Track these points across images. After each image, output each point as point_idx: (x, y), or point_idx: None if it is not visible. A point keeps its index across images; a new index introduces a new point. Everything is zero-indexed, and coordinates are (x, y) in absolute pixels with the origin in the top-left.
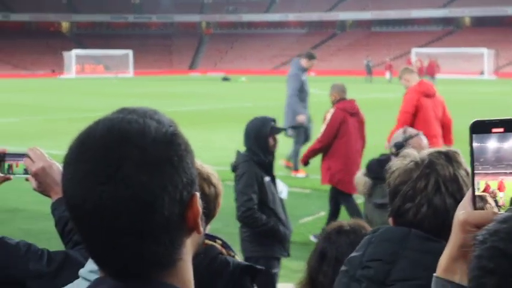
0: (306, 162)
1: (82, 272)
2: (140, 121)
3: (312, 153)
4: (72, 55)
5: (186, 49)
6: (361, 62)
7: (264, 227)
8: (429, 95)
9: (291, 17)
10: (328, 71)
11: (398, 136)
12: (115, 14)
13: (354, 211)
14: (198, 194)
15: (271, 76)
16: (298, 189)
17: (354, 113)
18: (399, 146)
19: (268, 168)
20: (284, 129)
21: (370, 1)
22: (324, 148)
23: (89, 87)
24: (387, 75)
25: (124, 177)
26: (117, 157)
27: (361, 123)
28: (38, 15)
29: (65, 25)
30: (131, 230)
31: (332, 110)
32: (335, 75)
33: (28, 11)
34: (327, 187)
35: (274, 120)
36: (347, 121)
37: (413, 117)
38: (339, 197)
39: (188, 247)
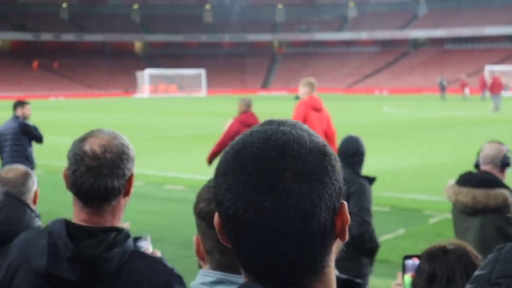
0: (210, 162)
1: (193, 285)
2: (294, 132)
3: (213, 155)
4: (145, 75)
5: (258, 68)
6: (434, 79)
7: (375, 245)
8: (317, 109)
9: (364, 35)
10: (401, 89)
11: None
12: (188, 33)
13: None
14: (345, 202)
15: (344, 95)
16: (376, 207)
17: (250, 125)
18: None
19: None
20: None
21: (443, 19)
22: (221, 151)
23: (162, 107)
24: (466, 91)
25: (285, 187)
26: (277, 168)
27: None
28: (111, 35)
29: (138, 45)
30: (291, 238)
31: (230, 121)
32: (407, 93)
33: (101, 31)
34: (406, 205)
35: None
36: (240, 132)
37: None
38: None
39: (333, 254)
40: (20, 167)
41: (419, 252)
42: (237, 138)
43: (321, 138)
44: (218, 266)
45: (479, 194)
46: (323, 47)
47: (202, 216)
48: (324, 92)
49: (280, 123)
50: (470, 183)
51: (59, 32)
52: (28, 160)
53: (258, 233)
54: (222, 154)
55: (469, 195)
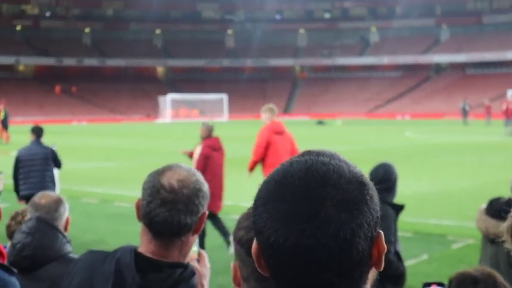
0: None
1: None
2: (333, 163)
3: None
4: (167, 100)
5: (280, 93)
6: (456, 104)
7: (397, 271)
8: (278, 132)
9: (385, 59)
10: (423, 114)
11: None
12: (210, 58)
13: (219, 227)
14: (381, 232)
15: (366, 119)
16: (399, 232)
17: (217, 148)
18: None
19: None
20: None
21: (465, 43)
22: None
23: (184, 131)
24: (489, 116)
25: (326, 216)
26: (318, 197)
27: (223, 156)
28: (133, 60)
29: (160, 70)
30: (330, 267)
31: (199, 147)
32: (429, 118)
33: (124, 56)
34: (429, 230)
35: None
36: (211, 155)
37: (266, 150)
38: (208, 218)
39: (369, 282)
40: (53, 194)
41: (442, 278)
42: (277, 168)
43: (358, 169)
44: None
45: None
46: (344, 72)
47: (242, 243)
48: (345, 117)
49: (319, 153)
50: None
51: (82, 57)
52: (54, 185)
53: (298, 261)
54: (262, 185)
55: (499, 226)
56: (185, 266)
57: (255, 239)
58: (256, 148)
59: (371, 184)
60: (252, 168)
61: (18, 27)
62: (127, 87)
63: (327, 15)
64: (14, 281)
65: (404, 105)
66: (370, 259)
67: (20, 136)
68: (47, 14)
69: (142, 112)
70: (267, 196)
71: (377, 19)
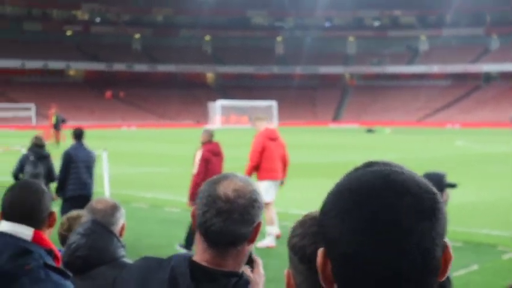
0: (194, 199)
1: None
2: (406, 172)
3: (197, 187)
4: (217, 106)
5: (330, 101)
6: (506, 114)
7: (445, 281)
8: (272, 138)
9: (435, 68)
10: (473, 123)
11: None
12: (259, 65)
13: None
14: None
15: (415, 128)
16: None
17: (217, 153)
18: None
19: None
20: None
21: None
22: (203, 180)
23: (234, 138)
24: None
25: (408, 226)
26: (398, 207)
27: (221, 160)
28: (183, 66)
29: (209, 76)
30: (411, 277)
31: (199, 151)
32: (479, 127)
33: (174, 62)
34: (479, 240)
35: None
36: (211, 160)
37: (261, 155)
38: None
39: None
40: (110, 199)
41: None
42: (348, 178)
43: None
44: None
45: None
46: (394, 80)
47: (295, 251)
48: (394, 125)
49: (386, 163)
50: None
51: (132, 63)
52: (93, 187)
53: (378, 272)
54: (331, 195)
55: None
56: (240, 275)
57: (324, 250)
58: (252, 153)
59: (438, 193)
60: (250, 173)
61: (69, 33)
62: (176, 93)
63: (376, 23)
64: (69, 284)
65: (453, 114)
66: (440, 267)
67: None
68: (98, 19)
69: (191, 118)
70: (343, 206)
71: (427, 27)
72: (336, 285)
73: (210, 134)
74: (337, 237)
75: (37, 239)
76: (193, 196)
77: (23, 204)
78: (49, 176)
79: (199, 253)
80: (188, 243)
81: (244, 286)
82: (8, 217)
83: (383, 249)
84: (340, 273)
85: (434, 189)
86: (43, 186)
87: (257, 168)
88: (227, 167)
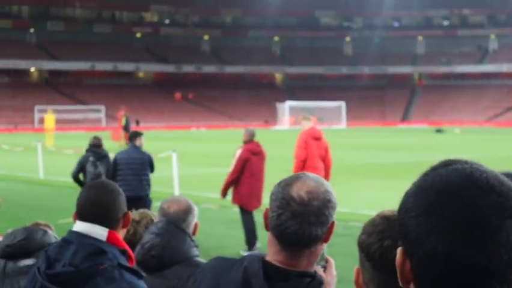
0: (225, 194)
1: None
2: (488, 170)
3: (228, 185)
4: (285, 106)
5: (398, 100)
6: None
7: None
8: (316, 138)
9: (505, 67)
10: None
11: None
12: (328, 65)
13: (249, 224)
14: None
15: (485, 127)
16: None
17: (257, 153)
18: None
19: None
20: None
21: None
22: (236, 179)
23: None
24: None
25: (496, 225)
26: (485, 205)
27: (262, 159)
28: (252, 67)
29: (278, 77)
30: (497, 274)
31: (239, 150)
32: None
33: (242, 63)
34: None
35: None
36: (250, 159)
37: (306, 150)
38: (242, 214)
39: None
40: (183, 201)
41: None
42: (427, 177)
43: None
44: None
45: None
46: (463, 80)
47: (362, 248)
48: (463, 125)
49: (467, 161)
50: None
51: (201, 64)
52: (150, 188)
53: (466, 271)
54: (413, 194)
55: None
56: (314, 276)
57: (403, 249)
58: (297, 150)
59: None
60: (299, 169)
61: (138, 35)
62: (245, 93)
63: (445, 23)
64: (143, 284)
65: None
66: None
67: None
68: (167, 21)
69: (260, 119)
70: (428, 205)
71: (496, 26)
72: (413, 285)
73: (251, 134)
74: (421, 237)
75: (111, 239)
76: (224, 192)
77: (99, 204)
78: (108, 176)
79: (272, 254)
80: (251, 244)
81: (317, 286)
82: (83, 217)
83: (471, 248)
84: (422, 272)
85: None
86: (117, 187)
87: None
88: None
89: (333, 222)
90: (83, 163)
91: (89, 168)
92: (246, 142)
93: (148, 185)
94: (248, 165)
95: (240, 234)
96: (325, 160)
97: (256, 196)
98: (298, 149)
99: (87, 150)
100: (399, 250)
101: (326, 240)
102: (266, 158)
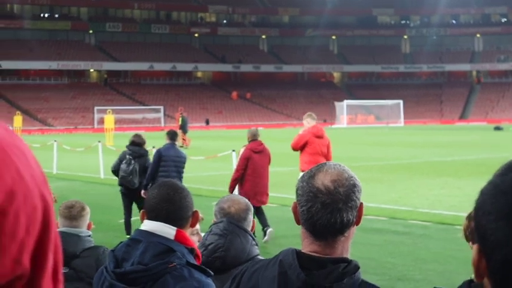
0: (232, 191)
1: None
2: None
3: (234, 182)
4: (343, 105)
5: (456, 98)
6: None
7: None
8: (318, 136)
9: None
10: None
11: None
12: (386, 64)
13: (261, 218)
14: None
15: None
16: None
17: (259, 151)
18: None
19: None
20: None
21: None
22: (240, 176)
23: (360, 137)
24: None
25: None
26: None
27: (265, 157)
28: (309, 66)
29: (336, 75)
30: None
31: (242, 149)
32: None
33: (300, 62)
34: None
35: None
36: (252, 157)
37: (302, 147)
38: None
39: None
40: (241, 199)
41: None
42: (507, 178)
43: None
44: None
45: None
46: None
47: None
48: None
49: None
50: None
51: (259, 63)
52: None
53: None
54: (491, 196)
55: None
56: (349, 261)
57: (479, 247)
58: (294, 142)
59: None
60: (297, 148)
61: (196, 35)
62: (302, 92)
63: (503, 20)
64: (211, 282)
65: None
66: None
67: (200, 141)
68: (224, 21)
69: (318, 118)
70: (510, 209)
71: None
72: (488, 281)
73: (254, 134)
74: (500, 242)
75: (180, 238)
76: (231, 190)
77: (169, 203)
78: (144, 174)
79: (307, 245)
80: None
81: (354, 271)
82: (153, 216)
83: None
84: (498, 274)
85: None
86: (186, 187)
87: (300, 160)
88: (348, 165)
89: (361, 204)
90: (121, 159)
91: (123, 165)
92: (249, 141)
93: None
94: (250, 163)
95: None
96: (327, 157)
97: (260, 192)
98: (296, 142)
99: (127, 147)
100: (475, 247)
101: (357, 223)
102: (271, 155)
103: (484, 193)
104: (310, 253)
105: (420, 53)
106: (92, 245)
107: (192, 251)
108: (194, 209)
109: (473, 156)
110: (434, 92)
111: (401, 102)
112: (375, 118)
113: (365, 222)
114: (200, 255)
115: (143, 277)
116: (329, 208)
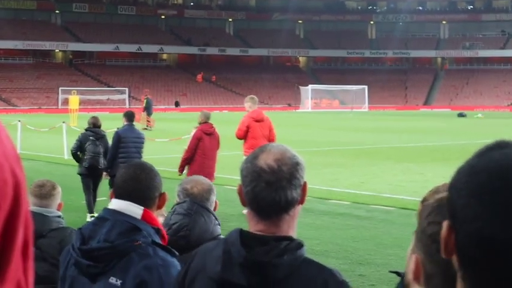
0: (182, 171)
1: None
2: None
3: (185, 162)
4: (308, 89)
5: (421, 84)
6: None
7: None
8: (258, 120)
9: None
10: None
11: None
12: (351, 49)
13: None
14: None
15: (507, 112)
16: None
17: (209, 133)
18: None
19: None
20: None
21: None
22: (190, 157)
23: (324, 122)
24: None
25: None
26: None
27: (215, 140)
28: (275, 50)
29: (302, 60)
30: None
31: (194, 130)
32: None
33: (265, 46)
34: None
35: None
36: (203, 138)
37: (245, 133)
38: None
39: None
40: (203, 180)
41: None
42: (482, 158)
43: None
44: None
45: None
46: (486, 64)
47: (434, 238)
48: (486, 110)
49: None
50: None
51: (225, 46)
52: None
53: (506, 257)
54: (465, 174)
55: None
56: (292, 238)
57: (449, 223)
58: (237, 131)
59: None
60: (240, 137)
61: (163, 17)
62: (268, 76)
63: (469, 7)
64: (176, 262)
65: None
66: None
67: (164, 123)
68: (191, 3)
69: (283, 101)
70: (480, 188)
71: None
72: (456, 258)
73: (206, 116)
74: (469, 218)
75: (146, 218)
76: (181, 169)
77: (136, 182)
78: (106, 155)
79: (253, 225)
80: None
81: (296, 248)
82: (120, 195)
83: None
84: (465, 249)
85: None
86: (155, 167)
87: (244, 145)
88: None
89: (305, 183)
90: (82, 141)
91: (89, 146)
92: (200, 123)
93: None
94: (201, 144)
95: None
96: (270, 138)
97: (207, 172)
98: (238, 131)
99: (86, 129)
100: (445, 223)
101: (301, 202)
102: (220, 139)
103: (459, 172)
104: (255, 232)
105: (386, 39)
106: (61, 226)
107: (158, 231)
108: (162, 191)
109: (436, 142)
110: (399, 77)
111: (365, 87)
112: (339, 103)
113: (328, 206)
114: (166, 236)
115: (109, 254)
116: (273, 186)
